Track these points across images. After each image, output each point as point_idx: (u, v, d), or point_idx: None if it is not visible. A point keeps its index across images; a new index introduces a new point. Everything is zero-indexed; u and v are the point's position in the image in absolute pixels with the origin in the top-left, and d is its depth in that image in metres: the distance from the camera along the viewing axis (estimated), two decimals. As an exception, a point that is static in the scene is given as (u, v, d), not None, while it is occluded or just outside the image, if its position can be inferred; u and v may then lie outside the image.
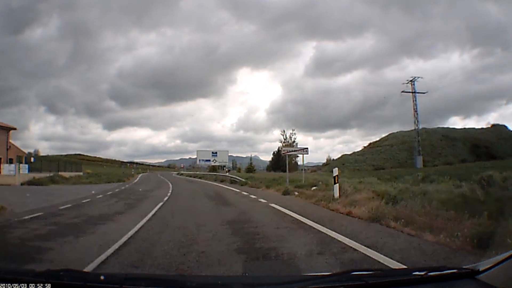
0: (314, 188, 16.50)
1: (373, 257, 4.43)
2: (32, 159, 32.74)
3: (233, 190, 19.28)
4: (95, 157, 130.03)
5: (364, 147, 76.98)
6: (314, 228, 6.69)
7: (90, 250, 4.96)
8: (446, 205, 7.10)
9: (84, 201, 13.10)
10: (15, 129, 36.11)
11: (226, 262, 4.36)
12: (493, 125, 73.90)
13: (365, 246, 4.98)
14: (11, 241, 6.08)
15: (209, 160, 44.47)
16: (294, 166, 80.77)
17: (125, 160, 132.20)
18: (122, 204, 11.91)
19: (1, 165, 27.82)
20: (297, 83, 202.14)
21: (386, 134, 78.04)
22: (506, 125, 70.76)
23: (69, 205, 11.38)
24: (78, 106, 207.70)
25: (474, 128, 73.12)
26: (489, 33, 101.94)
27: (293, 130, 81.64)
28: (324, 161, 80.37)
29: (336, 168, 11.11)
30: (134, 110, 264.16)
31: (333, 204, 9.91)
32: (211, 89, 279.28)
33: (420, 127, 70.00)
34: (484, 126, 74.42)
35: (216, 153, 44.24)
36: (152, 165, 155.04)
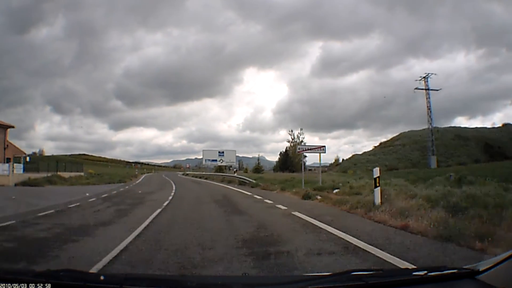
0: (337, 190, 14.43)
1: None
2: (28, 159, 30.93)
3: (243, 193, 17.05)
4: (100, 157, 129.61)
5: (375, 146, 75.74)
6: (370, 253, 4.58)
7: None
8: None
9: (71, 205, 11.27)
10: (13, 127, 34.50)
11: None
12: (504, 125, 71.90)
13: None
14: None
15: (216, 160, 42.24)
16: (300, 166, 78.93)
17: (131, 161, 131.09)
18: (113, 211, 9.88)
19: (-5, 164, 26.03)
20: (304, 83, 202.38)
21: (397, 134, 77.71)
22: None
23: (51, 211, 9.72)
24: (84, 106, 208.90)
25: (485, 128, 71.41)
26: (494, 33, 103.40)
27: (301, 129, 79.12)
28: (332, 161, 78.52)
29: (377, 168, 8.92)
30: (140, 110, 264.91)
31: (375, 213, 7.80)
32: (217, 89, 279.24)
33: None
34: (495, 126, 73.97)
35: (223, 152, 41.99)
36: (158, 166, 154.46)
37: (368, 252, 4.70)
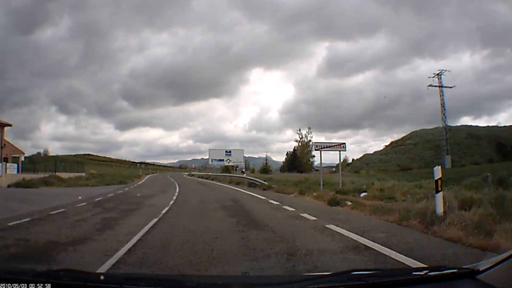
0: (364, 194, 12.36)
1: None
2: (23, 159, 29.25)
3: (256, 197, 14.96)
4: (105, 157, 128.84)
5: (386, 146, 73.58)
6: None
7: None
8: None
9: (54, 212, 9.63)
10: (10, 125, 32.93)
11: None
12: (517, 123, 69.67)
13: None
14: None
15: (223, 160, 40.26)
16: (309, 166, 76.75)
17: (136, 161, 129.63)
18: (98, 221, 7.94)
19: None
20: (310, 83, 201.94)
21: (409, 133, 75.58)
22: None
23: (27, 220, 8.15)
24: (89, 106, 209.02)
25: (497, 127, 69.24)
26: (499, 33, 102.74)
27: (309, 128, 77.08)
28: (338, 161, 75.68)
29: (439, 167, 6.80)
30: (146, 110, 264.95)
31: (440, 227, 5.78)
32: (223, 89, 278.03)
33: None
34: (499, 125, 72.24)
35: (230, 152, 39.99)
36: (163, 166, 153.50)
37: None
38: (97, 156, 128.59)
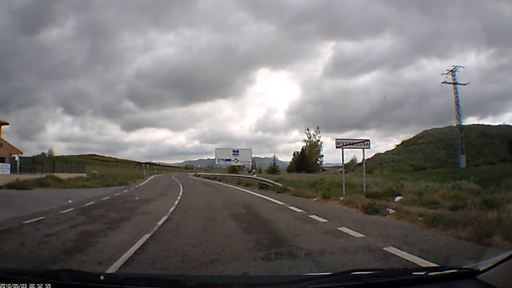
0: (399, 198, 10.39)
1: None
2: (17, 158, 27.68)
3: (271, 202, 12.85)
4: (110, 157, 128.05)
5: (397, 145, 71.66)
6: None
7: None
8: None
9: (29, 221, 8.07)
10: (7, 124, 31.34)
11: None
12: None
13: None
14: None
15: (230, 160, 38.35)
16: (317, 166, 74.62)
17: (142, 161, 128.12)
18: (74, 236, 6.18)
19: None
20: (316, 84, 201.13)
21: (420, 132, 74.27)
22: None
23: None
24: (95, 107, 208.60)
25: (509, 126, 67.58)
26: (504, 33, 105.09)
27: (317, 128, 75.00)
28: (346, 161, 74.51)
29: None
30: (152, 111, 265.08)
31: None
32: (230, 89, 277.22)
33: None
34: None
35: (237, 151, 38.04)
36: (169, 166, 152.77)
37: None
38: (102, 156, 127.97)
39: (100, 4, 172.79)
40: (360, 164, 64.08)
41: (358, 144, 15.29)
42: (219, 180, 36.78)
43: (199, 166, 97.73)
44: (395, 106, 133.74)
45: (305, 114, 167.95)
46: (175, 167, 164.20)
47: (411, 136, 73.14)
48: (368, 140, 15.23)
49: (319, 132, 76.05)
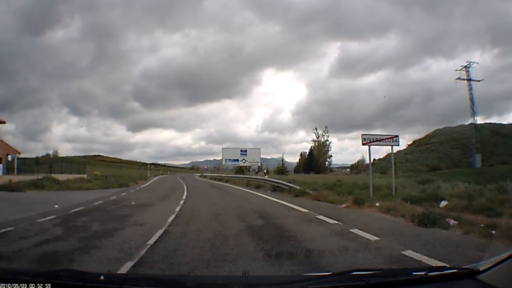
0: (444, 203, 8.50)
1: None
2: (10, 158, 26.13)
3: (293, 209, 10.69)
4: (115, 158, 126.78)
5: (409, 145, 69.63)
6: None
7: None
8: None
9: None
10: (4, 122, 29.84)
11: None
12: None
13: None
14: None
15: (237, 160, 36.55)
16: (326, 167, 72.54)
17: (148, 162, 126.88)
18: (28, 262, 4.25)
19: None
20: (322, 84, 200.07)
21: (433, 130, 73.20)
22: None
23: None
24: (101, 107, 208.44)
25: None
26: (509, 33, 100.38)
27: (325, 128, 72.88)
28: (353, 162, 73.25)
29: None
30: (158, 111, 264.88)
31: None
32: (236, 89, 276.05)
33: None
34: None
35: (245, 151, 36.24)
36: (175, 167, 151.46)
37: None
38: (107, 157, 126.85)
39: (105, 5, 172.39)
40: (372, 164, 62.05)
41: (386, 140, 13.41)
42: (226, 182, 35.21)
43: (205, 167, 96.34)
44: (401, 106, 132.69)
45: (311, 114, 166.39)
46: (181, 168, 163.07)
47: (419, 136, 71.57)
48: (397, 136, 13.53)
49: (328, 132, 74.19)
